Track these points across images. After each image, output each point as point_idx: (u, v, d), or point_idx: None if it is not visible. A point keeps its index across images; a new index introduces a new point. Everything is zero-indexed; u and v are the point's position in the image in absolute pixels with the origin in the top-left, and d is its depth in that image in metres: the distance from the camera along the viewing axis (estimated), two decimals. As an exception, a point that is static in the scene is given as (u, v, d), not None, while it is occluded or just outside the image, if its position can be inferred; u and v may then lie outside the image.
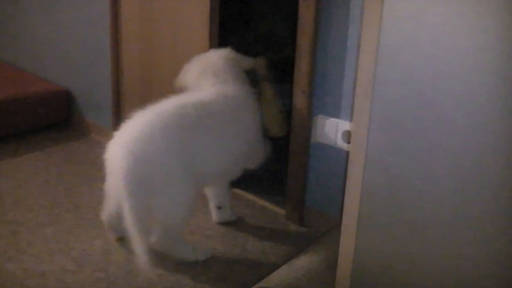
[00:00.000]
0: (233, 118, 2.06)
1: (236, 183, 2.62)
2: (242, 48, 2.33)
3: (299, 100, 2.21)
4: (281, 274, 1.98)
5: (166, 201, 1.90)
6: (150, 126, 1.87)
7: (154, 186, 1.85)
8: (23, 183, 2.63)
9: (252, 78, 2.25)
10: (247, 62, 2.23)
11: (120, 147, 1.84)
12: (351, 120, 2.11)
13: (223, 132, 2.02)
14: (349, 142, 2.11)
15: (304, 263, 2.04)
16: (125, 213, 1.80)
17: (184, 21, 2.57)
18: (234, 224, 2.35)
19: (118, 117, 3.07)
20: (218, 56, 2.19)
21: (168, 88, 2.74)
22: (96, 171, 2.78)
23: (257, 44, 3.90)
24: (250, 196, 2.58)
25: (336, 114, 2.17)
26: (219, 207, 2.31)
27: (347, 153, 2.13)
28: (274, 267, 2.03)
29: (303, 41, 2.15)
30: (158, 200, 1.88)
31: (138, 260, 1.80)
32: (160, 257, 2.08)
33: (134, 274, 1.98)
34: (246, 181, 2.46)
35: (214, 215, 2.33)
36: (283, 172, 2.48)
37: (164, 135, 1.86)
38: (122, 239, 2.07)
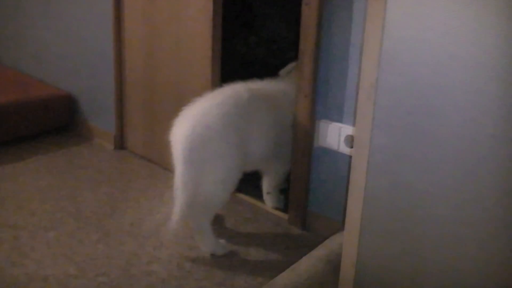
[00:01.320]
0: (281, 111, 2.30)
1: (239, 188, 2.62)
2: (244, 51, 2.34)
3: (302, 104, 2.21)
4: (284, 278, 1.98)
5: (214, 172, 2.06)
6: (209, 103, 2.09)
7: (208, 156, 2.04)
8: (26, 187, 2.63)
9: None
10: None
11: (183, 119, 2.07)
12: (353, 125, 2.11)
13: (270, 120, 2.25)
14: (351, 147, 2.11)
15: (307, 267, 2.03)
16: (176, 176, 2.03)
17: (186, 25, 2.57)
18: (237, 228, 2.35)
19: (121, 121, 3.08)
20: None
21: (171, 92, 2.75)
22: (99, 175, 2.79)
23: (259, 48, 3.90)
24: (253, 201, 2.58)
25: (338, 118, 2.17)
26: (268, 193, 2.52)
27: (350, 157, 2.13)
28: (277, 271, 2.03)
29: (306, 45, 2.15)
30: (208, 170, 2.04)
31: (172, 218, 2.01)
32: (159, 262, 2.08)
33: (137, 279, 1.98)
34: (249, 186, 2.46)
35: (268, 201, 2.53)
36: (286, 176, 2.48)
37: (220, 111, 2.06)
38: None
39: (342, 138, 2.16)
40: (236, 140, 2.08)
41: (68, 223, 2.33)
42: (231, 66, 2.42)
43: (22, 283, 1.94)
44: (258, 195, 2.61)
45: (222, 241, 2.19)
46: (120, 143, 3.12)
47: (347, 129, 2.14)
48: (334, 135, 2.17)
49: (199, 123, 2.02)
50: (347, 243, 1.60)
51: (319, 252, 2.13)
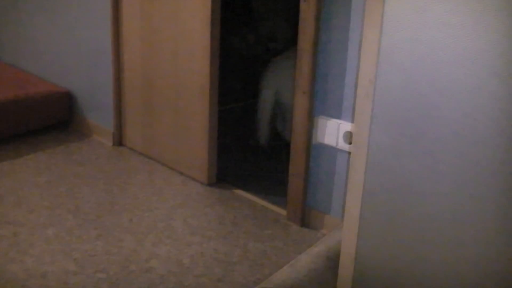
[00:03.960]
0: None
1: (238, 184, 2.63)
2: (243, 48, 2.34)
3: (300, 100, 2.21)
4: (283, 274, 1.98)
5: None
6: None
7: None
8: (25, 184, 2.63)
9: None
10: None
11: None
12: (352, 121, 2.11)
13: None
14: (350, 143, 2.11)
15: (305, 263, 2.03)
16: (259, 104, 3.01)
17: (185, 21, 2.57)
18: (235, 225, 2.35)
19: (119, 117, 3.08)
20: None
21: (170, 89, 2.75)
22: (97, 172, 2.79)
23: (258, 45, 3.90)
24: (251, 197, 2.58)
25: (337, 115, 2.17)
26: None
27: (349, 154, 2.13)
28: (276, 267, 2.04)
29: (304, 41, 2.15)
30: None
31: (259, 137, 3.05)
32: (158, 259, 2.08)
33: (136, 275, 1.98)
34: (248, 181, 2.47)
35: None
36: (284, 172, 2.48)
37: None
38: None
39: (341, 135, 2.16)
40: None
41: (67, 220, 2.33)
42: (230, 63, 2.42)
43: (21, 279, 1.94)
44: (257, 192, 2.62)
45: None
46: (119, 140, 3.12)
47: (346, 126, 2.14)
48: (333, 131, 2.18)
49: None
50: (346, 239, 1.60)
51: (318, 249, 2.13)
